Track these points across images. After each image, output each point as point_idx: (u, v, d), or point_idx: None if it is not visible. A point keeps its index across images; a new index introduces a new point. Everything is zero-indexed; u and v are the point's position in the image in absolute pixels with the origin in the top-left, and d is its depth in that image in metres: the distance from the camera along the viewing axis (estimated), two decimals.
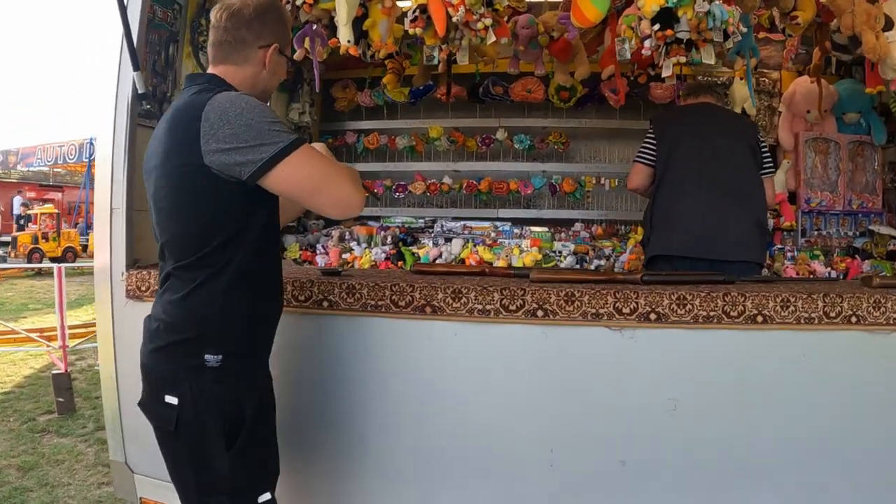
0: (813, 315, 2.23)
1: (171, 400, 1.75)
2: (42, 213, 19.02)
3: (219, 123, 1.67)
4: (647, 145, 3.51)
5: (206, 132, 1.68)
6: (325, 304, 2.40)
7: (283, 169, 1.69)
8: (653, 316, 2.24)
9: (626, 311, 2.25)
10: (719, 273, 2.55)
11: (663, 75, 3.23)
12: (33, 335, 6.94)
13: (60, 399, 5.27)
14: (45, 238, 18.29)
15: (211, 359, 1.74)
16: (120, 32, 2.78)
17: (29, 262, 16.71)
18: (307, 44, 3.36)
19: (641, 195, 3.73)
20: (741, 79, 4.63)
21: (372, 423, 2.42)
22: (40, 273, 15.14)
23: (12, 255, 17.52)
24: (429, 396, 2.37)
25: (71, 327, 6.36)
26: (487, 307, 2.29)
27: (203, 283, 1.76)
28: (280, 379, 2.08)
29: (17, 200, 21.59)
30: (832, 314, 2.22)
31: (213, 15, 1.91)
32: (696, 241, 3.20)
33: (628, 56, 3.18)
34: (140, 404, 1.88)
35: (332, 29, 3.08)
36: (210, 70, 1.92)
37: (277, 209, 1.92)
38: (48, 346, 6.32)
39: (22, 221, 18.98)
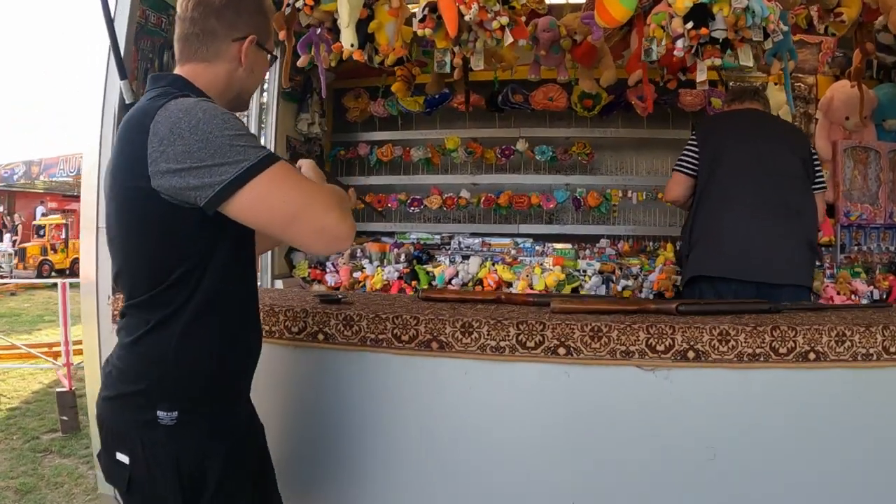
0: (871, 350, 1.96)
1: (123, 458, 1.48)
2: (48, 224, 18.70)
3: (169, 138, 1.37)
4: (689, 153, 3.23)
5: (154, 149, 1.38)
6: (321, 336, 2.16)
7: (249, 194, 1.38)
8: (691, 354, 1.96)
9: (660, 348, 1.97)
10: (764, 301, 2.29)
11: (697, 80, 3.01)
12: (36, 351, 6.75)
13: (64, 418, 5.09)
14: (54, 249, 18.00)
15: (164, 416, 1.46)
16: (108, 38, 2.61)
17: (39, 274, 16.40)
18: (314, 50, 3.16)
19: (680, 207, 3.48)
20: (776, 84, 4.38)
21: (371, 469, 2.16)
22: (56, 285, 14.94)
23: (19, 266, 17.03)
24: (435, 442, 2.11)
25: (77, 342, 6.16)
26: (502, 343, 2.02)
27: (156, 325, 1.48)
28: (270, 417, 1.82)
29: (40, 211, 21.66)
30: (892, 349, 1.96)
31: (178, 4, 1.64)
32: (742, 261, 2.94)
33: (656, 58, 2.97)
34: (98, 457, 1.63)
35: (337, 33, 2.84)
36: (176, 70, 1.64)
37: (250, 236, 1.65)
38: (53, 363, 6.13)
39: (42, 232, 18.82)
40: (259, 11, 1.68)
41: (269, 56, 1.73)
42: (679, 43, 2.70)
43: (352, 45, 2.67)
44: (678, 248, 3.58)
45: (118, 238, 1.54)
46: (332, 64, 3.47)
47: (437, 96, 4.58)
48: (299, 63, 3.36)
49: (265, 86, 4.30)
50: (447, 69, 2.90)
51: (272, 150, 2.81)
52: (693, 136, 3.28)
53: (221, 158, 1.36)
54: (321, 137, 4.94)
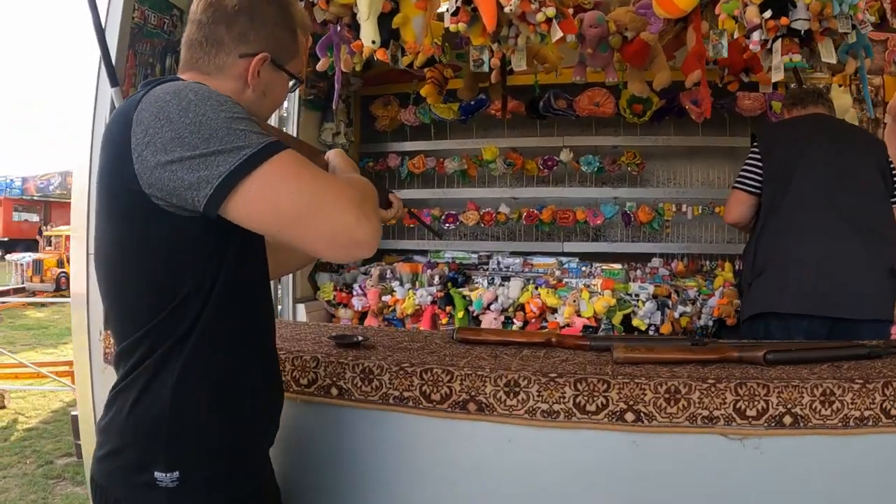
0: None
1: None
2: (55, 236, 18.28)
3: (156, 125, 1.13)
4: (751, 168, 2.84)
5: (138, 140, 1.13)
6: (335, 391, 1.81)
7: (252, 187, 1.11)
8: (787, 419, 1.57)
9: (751, 413, 1.58)
10: (858, 343, 1.93)
11: (773, 79, 2.62)
12: (47, 370, 6.54)
13: (79, 442, 4.84)
14: (69, 261, 17.72)
15: (163, 477, 1.19)
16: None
17: (57, 287, 15.78)
18: (334, 52, 2.82)
19: (741, 230, 3.09)
20: (840, 85, 3.93)
21: None
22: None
23: (35, 280, 16.35)
24: None
25: None
26: (556, 407, 1.63)
27: (147, 371, 1.21)
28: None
29: None
30: None
31: (192, 4, 1.36)
32: (818, 294, 2.56)
33: (725, 54, 2.63)
34: None
35: (358, 30, 2.48)
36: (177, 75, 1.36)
37: (261, 251, 1.36)
38: (69, 385, 5.89)
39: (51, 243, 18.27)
40: (283, 25, 1.37)
41: (290, 79, 1.42)
42: (755, 35, 2.33)
43: (373, 42, 2.31)
44: (737, 272, 3.16)
45: (103, 262, 1.29)
46: (358, 68, 3.14)
47: (472, 102, 4.20)
48: (318, 67, 3.02)
49: None
50: (485, 68, 2.52)
51: None
52: (755, 149, 2.90)
53: (218, 144, 1.11)
54: (348, 148, 4.58)
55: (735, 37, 2.43)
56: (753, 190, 2.83)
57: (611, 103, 4.17)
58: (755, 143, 2.93)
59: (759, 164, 2.82)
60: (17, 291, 15.34)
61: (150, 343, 1.21)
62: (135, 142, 1.13)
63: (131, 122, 1.14)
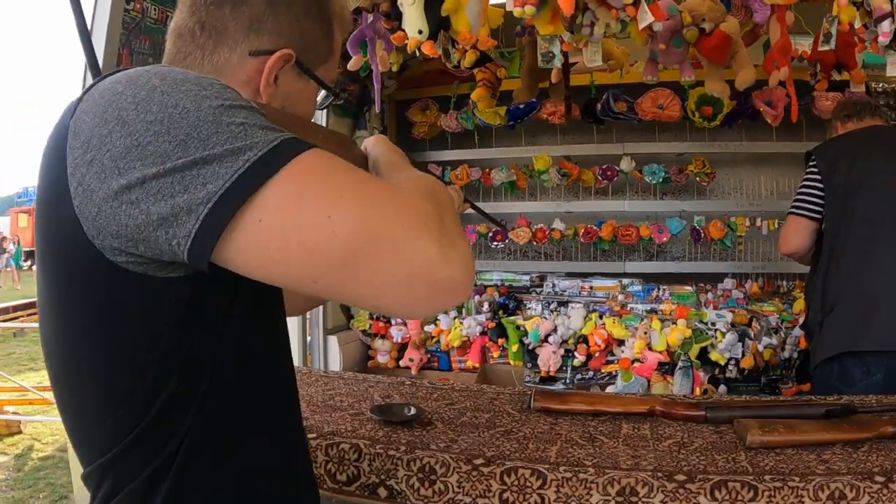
0: None
1: None
2: None
3: (101, 132, 0.69)
4: (810, 190, 2.56)
5: (76, 160, 0.70)
6: (383, 491, 1.37)
7: (262, 215, 0.66)
8: None
9: None
10: None
11: (889, 73, 2.43)
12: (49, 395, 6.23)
13: None
14: None
15: None
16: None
17: None
18: (368, 49, 2.39)
19: (799, 261, 2.74)
20: None
21: None
22: None
23: None
24: None
25: None
26: None
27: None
28: None
29: None
30: None
31: None
32: None
33: (833, 45, 2.41)
34: None
35: (398, 20, 2.04)
36: None
37: (277, 305, 0.94)
38: None
39: None
40: (314, 14, 0.96)
41: (320, 90, 1.01)
42: (884, 25, 2.03)
43: (419, 33, 1.86)
44: (806, 309, 2.75)
45: (46, 348, 0.84)
46: (395, 68, 2.72)
47: (521, 106, 3.74)
48: (350, 66, 2.60)
49: None
50: (557, 63, 2.07)
51: None
52: (812, 168, 2.60)
53: (203, 149, 0.66)
54: None
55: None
56: (814, 215, 2.53)
57: (677, 105, 3.66)
58: (812, 162, 2.61)
59: (819, 184, 2.53)
60: None
61: (114, 477, 0.78)
62: (71, 163, 0.70)
63: (67, 133, 0.71)
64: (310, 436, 1.50)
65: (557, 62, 2.10)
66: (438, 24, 1.99)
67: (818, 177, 2.53)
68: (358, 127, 3.81)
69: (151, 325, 0.75)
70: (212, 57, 0.89)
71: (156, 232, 0.66)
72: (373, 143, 1.09)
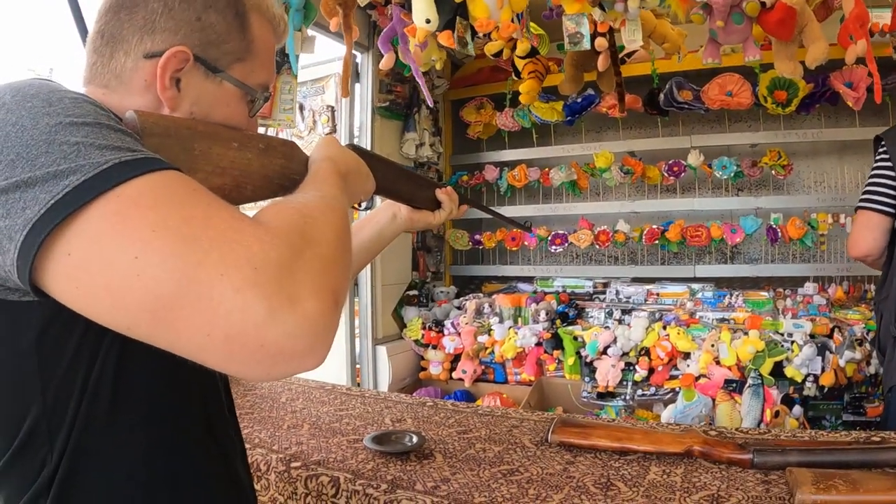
0: None
1: None
2: None
3: None
4: (881, 181, 2.22)
5: None
6: None
7: (70, 247, 0.59)
8: None
9: None
10: None
11: None
12: None
13: None
14: None
15: None
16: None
17: None
18: (400, 45, 2.24)
19: (871, 265, 2.38)
20: None
21: None
22: None
23: None
24: None
25: None
26: None
27: None
28: None
29: None
30: None
31: None
32: None
33: None
34: None
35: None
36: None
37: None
38: None
39: None
40: (221, 7, 0.86)
41: (244, 93, 0.90)
42: None
43: (427, 22, 1.68)
44: (878, 322, 2.41)
45: None
46: (438, 66, 2.54)
47: (579, 99, 3.49)
48: (382, 65, 2.45)
49: (357, 100, 3.38)
50: (585, 44, 1.84)
51: None
52: (883, 156, 2.25)
53: (30, 170, 0.61)
54: (437, 161, 3.96)
55: None
56: (889, 209, 2.19)
57: (747, 91, 3.33)
58: (882, 148, 2.27)
59: (892, 173, 2.19)
60: None
61: None
62: None
63: None
64: (294, 465, 1.34)
65: (586, 44, 1.87)
66: (455, 10, 1.80)
67: (890, 164, 2.21)
68: (407, 129, 3.63)
69: (5, 349, 0.71)
70: (110, 64, 0.83)
71: None
72: (316, 147, 0.97)
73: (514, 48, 2.40)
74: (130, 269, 0.57)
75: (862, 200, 2.25)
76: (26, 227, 0.58)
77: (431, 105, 2.92)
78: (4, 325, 0.70)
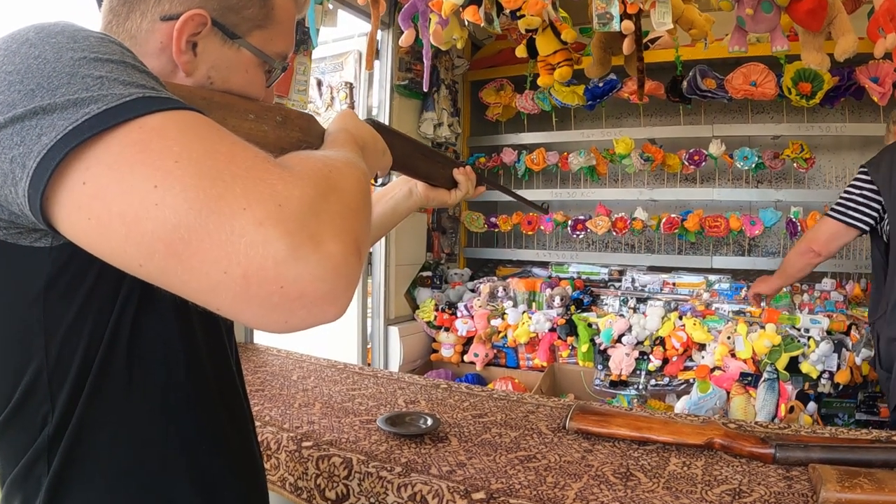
0: None
1: None
2: None
3: None
4: (860, 196, 2.36)
5: None
6: None
7: (85, 176, 0.55)
8: None
9: None
10: None
11: None
12: None
13: None
14: None
15: None
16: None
17: None
18: (420, 21, 2.20)
19: (808, 267, 2.59)
20: None
21: None
22: None
23: None
24: None
25: None
26: None
27: None
28: None
29: None
30: None
31: None
32: None
33: None
34: None
35: None
36: None
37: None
38: None
39: None
40: None
41: (262, 61, 0.87)
42: None
43: None
44: (875, 339, 2.42)
45: None
46: (459, 45, 2.51)
47: (600, 84, 3.44)
48: (402, 41, 2.42)
49: (376, 77, 3.34)
50: (615, 25, 1.80)
51: None
52: (863, 174, 2.38)
53: (49, 97, 0.57)
54: (455, 142, 3.92)
55: None
56: (860, 224, 2.34)
57: (771, 82, 3.27)
58: (865, 170, 2.37)
59: (875, 195, 2.30)
60: None
61: None
62: None
63: None
64: (305, 444, 1.33)
65: (616, 24, 1.83)
66: None
67: (873, 185, 2.30)
68: (425, 108, 3.60)
69: (10, 297, 0.70)
70: (125, 24, 0.80)
71: (3, 190, 0.59)
72: (334, 121, 0.94)
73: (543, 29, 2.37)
74: (149, 196, 0.54)
75: (834, 209, 2.43)
76: (41, 152, 0.56)
77: (427, 87, 2.87)
78: (12, 271, 0.69)
